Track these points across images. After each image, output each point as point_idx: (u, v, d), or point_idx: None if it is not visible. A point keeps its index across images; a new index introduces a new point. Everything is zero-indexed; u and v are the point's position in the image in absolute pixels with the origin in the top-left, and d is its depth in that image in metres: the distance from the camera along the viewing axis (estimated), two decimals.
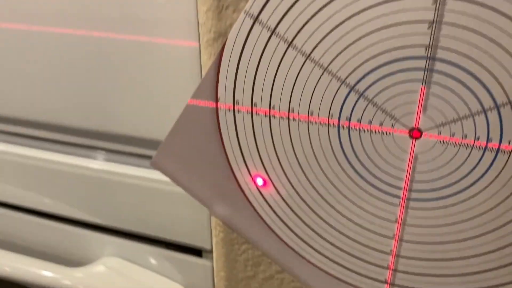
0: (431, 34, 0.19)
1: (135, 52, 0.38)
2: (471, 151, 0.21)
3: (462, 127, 0.20)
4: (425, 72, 0.20)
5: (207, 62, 0.23)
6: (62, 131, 0.45)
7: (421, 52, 0.20)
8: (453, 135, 0.21)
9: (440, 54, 0.19)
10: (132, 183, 0.44)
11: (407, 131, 0.21)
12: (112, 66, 0.40)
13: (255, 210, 0.26)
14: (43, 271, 0.47)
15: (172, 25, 0.33)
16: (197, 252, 0.44)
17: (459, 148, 0.21)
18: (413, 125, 0.21)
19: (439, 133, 0.21)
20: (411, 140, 0.21)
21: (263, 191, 0.25)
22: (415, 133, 0.21)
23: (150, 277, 0.46)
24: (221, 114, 0.24)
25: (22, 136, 0.48)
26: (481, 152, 0.21)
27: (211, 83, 0.23)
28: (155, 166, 0.26)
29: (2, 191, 0.51)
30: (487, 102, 0.20)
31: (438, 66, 0.20)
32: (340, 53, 0.21)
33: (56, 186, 0.48)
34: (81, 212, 0.48)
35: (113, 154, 0.45)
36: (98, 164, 0.45)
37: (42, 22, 0.41)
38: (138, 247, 0.47)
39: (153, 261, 0.46)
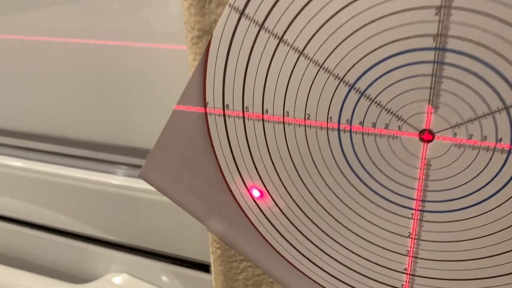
0: (439, 21, 0.17)
1: (155, 64, 0.37)
2: (492, 155, 0.18)
3: (481, 127, 0.18)
4: (435, 65, 0.17)
5: (193, 63, 0.21)
6: (80, 145, 0.44)
7: (429, 42, 0.17)
8: (470, 136, 0.18)
9: (451, 44, 0.17)
10: (142, 197, 0.42)
11: (417, 133, 0.19)
12: (132, 79, 0.39)
13: (252, 224, 0.23)
14: None
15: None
16: (204, 267, 0.42)
17: (479, 151, 0.18)
18: (424, 126, 0.18)
19: (454, 135, 0.18)
20: (422, 144, 0.19)
21: (260, 203, 0.23)
22: (426, 135, 0.19)
23: None
24: (210, 120, 0.22)
25: (37, 152, 0.47)
26: (504, 155, 0.18)
27: (198, 86, 0.21)
28: (143, 178, 0.24)
29: (13, 207, 0.50)
30: (509, 98, 0.17)
31: (449, 57, 0.17)
32: (336, 47, 0.18)
33: (63, 202, 0.47)
34: (89, 228, 0.47)
35: (129, 168, 0.44)
36: (106, 177, 0.44)
37: (62, 34, 0.40)
38: (144, 262, 0.45)
39: (160, 277, 0.45)
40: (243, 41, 0.19)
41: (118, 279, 0.46)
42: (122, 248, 0.46)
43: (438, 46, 0.17)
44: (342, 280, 0.23)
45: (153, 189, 0.41)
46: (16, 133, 0.47)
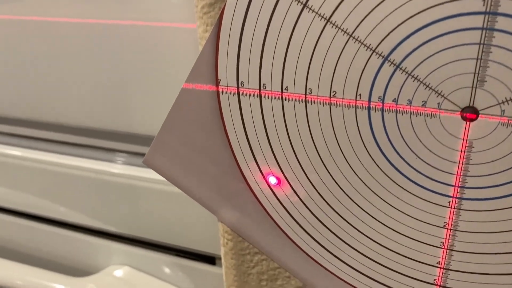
0: None
1: (157, 44, 0.34)
2: None
3: None
4: (483, 32, 0.15)
5: (204, 35, 0.19)
6: (78, 132, 0.42)
7: (477, 5, 0.15)
8: None
9: (504, 6, 0.15)
10: (143, 187, 0.40)
11: (459, 111, 0.17)
12: (132, 61, 0.36)
13: (268, 214, 0.21)
14: (55, 284, 0.44)
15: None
16: (210, 259, 0.41)
17: None
18: (467, 103, 0.16)
19: (502, 112, 0.16)
20: (464, 123, 0.17)
21: (277, 191, 0.21)
22: (470, 114, 0.16)
23: (161, 286, 0.43)
24: (223, 99, 0.20)
25: (34, 139, 0.45)
26: None
27: (209, 62, 0.19)
28: (149, 164, 0.22)
29: (10, 197, 0.48)
30: None
31: (501, 23, 0.15)
32: (368, 13, 0.16)
33: (62, 192, 0.45)
34: (89, 219, 0.45)
35: (130, 156, 0.42)
36: (106, 166, 0.42)
37: (59, 13, 0.38)
38: (147, 254, 0.43)
39: (163, 269, 0.43)
40: (261, 7, 0.17)
41: (119, 271, 0.44)
42: (124, 239, 0.45)
43: (488, 9, 0.15)
44: (366, 274, 0.21)
45: (155, 178, 0.39)
46: (13, 120, 0.45)
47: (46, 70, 0.40)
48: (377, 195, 0.19)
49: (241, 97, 0.19)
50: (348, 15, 0.16)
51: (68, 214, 0.46)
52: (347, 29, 0.17)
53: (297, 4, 0.17)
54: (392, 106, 0.17)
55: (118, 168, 0.42)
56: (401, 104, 0.17)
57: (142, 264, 0.44)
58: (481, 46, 0.15)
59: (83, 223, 0.45)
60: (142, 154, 0.40)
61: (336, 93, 0.18)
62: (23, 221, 0.49)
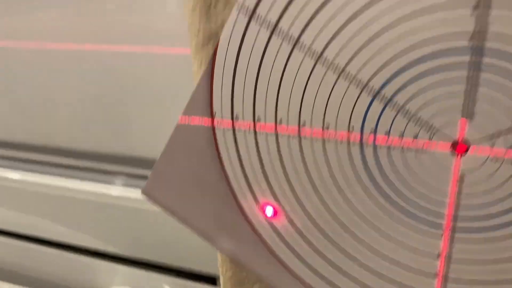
0: (476, 18, 0.15)
1: (154, 69, 0.35)
2: None
3: None
4: (470, 69, 0.15)
5: (198, 71, 0.19)
6: (77, 156, 0.43)
7: (463, 42, 0.15)
8: (510, 147, 0.16)
9: (490, 43, 0.15)
10: (143, 208, 0.40)
11: (449, 144, 0.17)
12: (129, 85, 0.37)
13: (266, 245, 0.21)
14: None
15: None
16: (211, 280, 0.41)
17: None
18: (457, 137, 0.17)
19: (492, 145, 0.16)
20: (455, 157, 0.17)
21: (274, 222, 0.21)
22: (460, 147, 0.17)
23: None
24: (218, 132, 0.20)
25: (34, 163, 0.46)
26: None
27: (204, 96, 0.19)
28: (147, 196, 0.22)
29: (10, 220, 0.48)
30: None
31: (488, 59, 0.15)
32: (359, 50, 0.16)
33: (62, 214, 0.45)
34: (90, 240, 0.45)
35: (129, 178, 0.42)
36: (105, 188, 0.42)
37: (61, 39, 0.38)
38: (148, 275, 0.43)
39: None
40: (253, 46, 0.18)
41: None
42: (125, 261, 0.45)
43: (474, 46, 0.15)
44: None
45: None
46: (11, 143, 0.46)
47: (45, 95, 0.41)
48: (373, 226, 0.19)
49: (236, 131, 0.20)
50: (339, 52, 0.17)
51: (69, 236, 0.46)
52: (338, 65, 0.17)
53: (288, 42, 0.17)
54: (384, 140, 0.17)
55: (118, 190, 0.42)
56: (393, 138, 0.17)
57: (144, 285, 0.44)
58: (470, 79, 0.16)
59: (84, 245, 0.45)
60: (141, 176, 0.40)
61: (329, 125, 0.18)
62: (24, 244, 0.49)
